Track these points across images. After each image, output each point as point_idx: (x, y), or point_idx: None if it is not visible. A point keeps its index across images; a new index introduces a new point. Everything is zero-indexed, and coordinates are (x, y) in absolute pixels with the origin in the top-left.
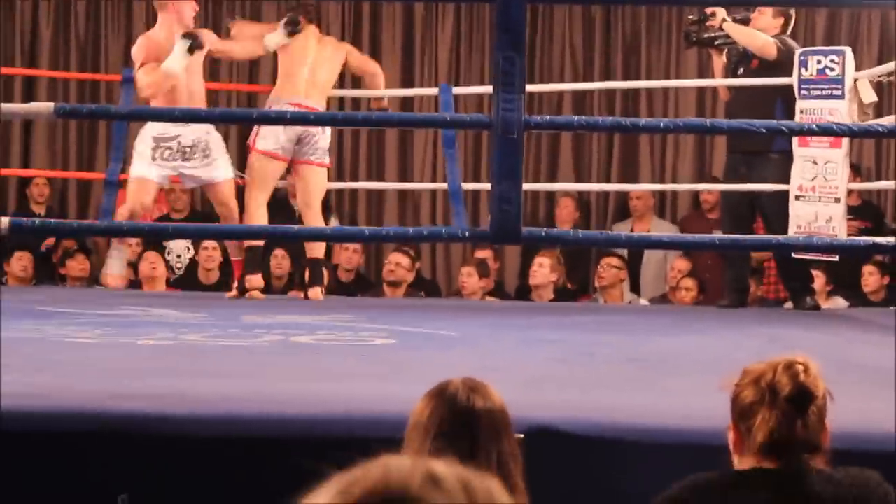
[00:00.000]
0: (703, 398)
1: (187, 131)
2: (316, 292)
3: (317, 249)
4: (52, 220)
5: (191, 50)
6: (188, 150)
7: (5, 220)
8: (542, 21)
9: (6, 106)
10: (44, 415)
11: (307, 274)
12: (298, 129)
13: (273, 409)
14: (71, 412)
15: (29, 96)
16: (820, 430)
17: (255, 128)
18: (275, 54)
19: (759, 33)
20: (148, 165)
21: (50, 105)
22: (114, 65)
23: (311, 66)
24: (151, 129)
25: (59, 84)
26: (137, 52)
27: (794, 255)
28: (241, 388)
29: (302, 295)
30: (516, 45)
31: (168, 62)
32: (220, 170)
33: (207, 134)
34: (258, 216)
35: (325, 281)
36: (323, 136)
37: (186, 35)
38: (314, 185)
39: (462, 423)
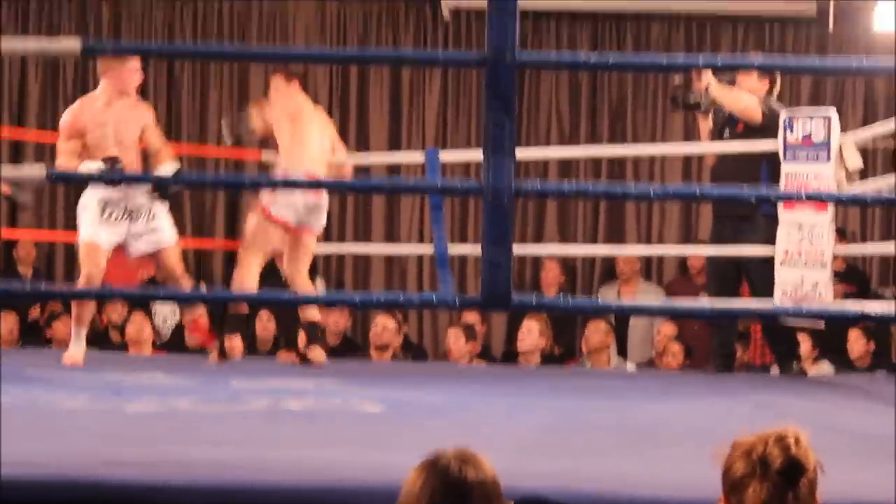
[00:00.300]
0: (694, 468)
1: (131, 194)
2: (317, 353)
3: (312, 311)
4: (40, 283)
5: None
6: (133, 212)
7: None
8: (529, 84)
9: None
10: (37, 483)
11: (305, 336)
12: (311, 198)
13: (265, 477)
14: (64, 481)
15: (17, 152)
16: (811, 502)
17: (269, 193)
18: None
19: (745, 96)
20: (96, 228)
21: (41, 170)
22: None
23: (318, 135)
24: (96, 193)
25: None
26: (63, 122)
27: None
28: (232, 455)
29: (295, 357)
30: (506, 110)
31: (84, 170)
32: (166, 234)
33: (151, 200)
34: (250, 279)
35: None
36: (325, 206)
37: (106, 160)
38: (310, 251)
39: (454, 495)
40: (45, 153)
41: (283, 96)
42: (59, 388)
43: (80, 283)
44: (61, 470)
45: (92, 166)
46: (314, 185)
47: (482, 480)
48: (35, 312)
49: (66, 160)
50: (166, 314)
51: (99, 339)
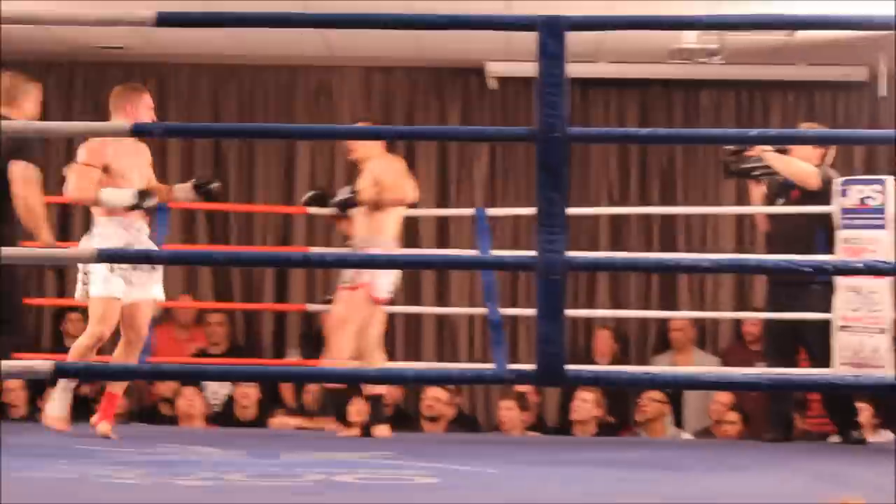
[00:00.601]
0: None
1: (143, 242)
2: (382, 430)
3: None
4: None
5: (133, 208)
6: None
7: (49, 363)
8: (580, 149)
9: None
10: None
11: (369, 410)
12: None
13: None
14: None
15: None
16: None
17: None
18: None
19: (801, 163)
20: (108, 282)
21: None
22: None
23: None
24: (104, 243)
25: None
26: (85, 151)
27: None
28: None
29: (359, 431)
30: (557, 185)
31: (109, 196)
32: (157, 288)
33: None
34: (343, 357)
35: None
36: None
37: (142, 193)
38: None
39: None
40: None
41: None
42: (111, 462)
43: (90, 341)
44: None
45: (115, 194)
46: (367, 263)
47: None
48: (86, 389)
49: (86, 185)
50: (216, 387)
51: (148, 413)
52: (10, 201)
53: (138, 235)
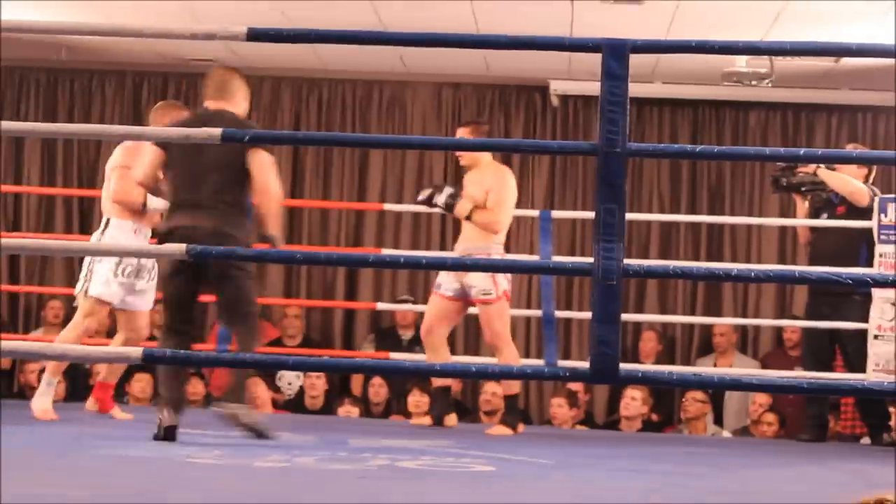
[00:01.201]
0: None
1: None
2: (452, 419)
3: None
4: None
5: None
6: (141, 270)
7: (139, 349)
8: (634, 163)
9: None
10: None
11: (436, 402)
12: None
13: None
14: None
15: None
16: None
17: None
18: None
19: (854, 181)
20: (107, 284)
21: (182, 248)
22: None
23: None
24: (118, 239)
25: None
26: (122, 152)
27: None
28: None
29: (430, 421)
30: (616, 197)
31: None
32: (151, 296)
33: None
34: (441, 358)
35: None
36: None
37: None
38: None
39: None
40: None
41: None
42: (190, 444)
43: (76, 333)
44: None
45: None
46: (435, 265)
47: None
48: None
49: (122, 179)
50: (291, 377)
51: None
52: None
53: (144, 242)
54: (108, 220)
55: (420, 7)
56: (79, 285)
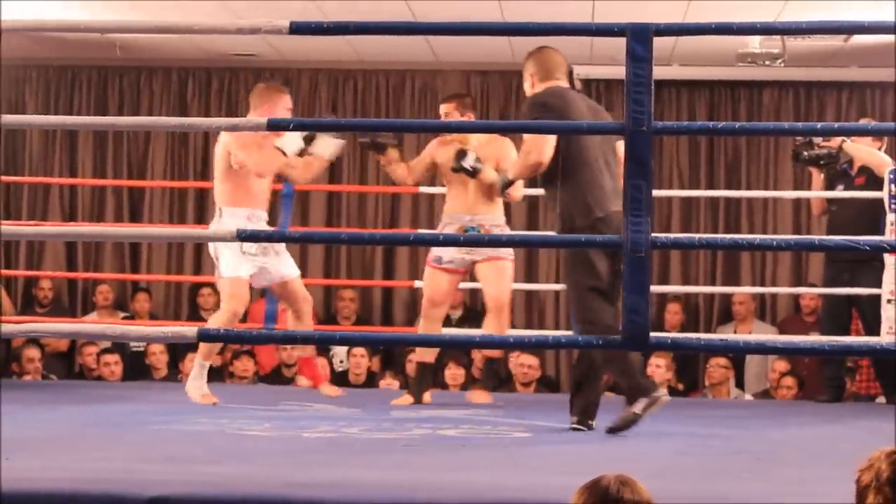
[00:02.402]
0: (817, 487)
1: (262, 227)
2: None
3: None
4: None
5: (306, 140)
6: (266, 247)
7: (193, 329)
8: (654, 141)
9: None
10: (231, 502)
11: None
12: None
13: (430, 498)
14: (254, 499)
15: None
16: None
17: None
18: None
19: (879, 152)
20: (238, 263)
21: (232, 231)
22: None
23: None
24: (232, 225)
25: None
26: (232, 136)
27: None
28: (399, 478)
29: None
30: (644, 173)
31: (282, 141)
32: (289, 266)
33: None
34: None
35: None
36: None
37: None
38: (499, 278)
39: None
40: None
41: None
42: (243, 417)
43: (225, 320)
44: (248, 490)
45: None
46: (473, 242)
47: (638, 502)
48: (225, 355)
49: (256, 153)
50: (343, 355)
51: (271, 377)
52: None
53: (261, 227)
54: (220, 209)
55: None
56: (216, 273)
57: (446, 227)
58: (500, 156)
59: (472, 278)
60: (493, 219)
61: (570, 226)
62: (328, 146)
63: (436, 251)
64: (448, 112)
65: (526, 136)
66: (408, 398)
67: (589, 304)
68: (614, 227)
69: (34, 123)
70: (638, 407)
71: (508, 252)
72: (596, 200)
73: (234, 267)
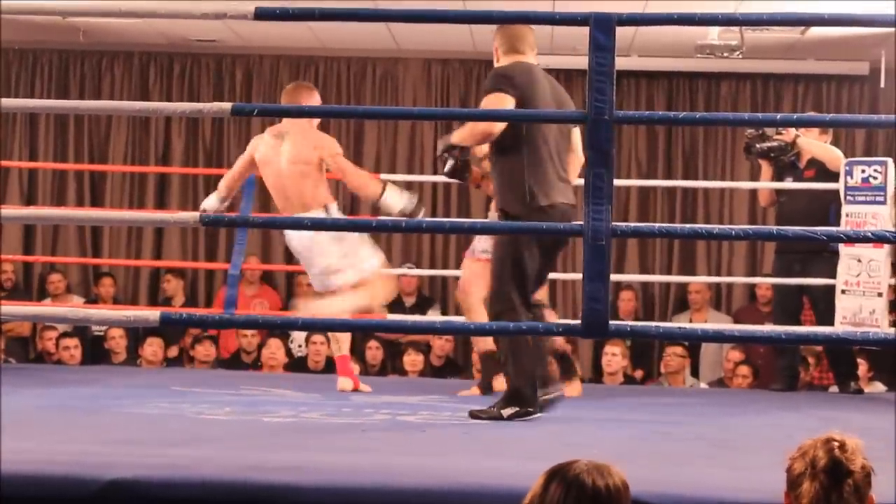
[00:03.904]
0: (770, 474)
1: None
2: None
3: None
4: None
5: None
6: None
7: (156, 313)
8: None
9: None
10: (190, 484)
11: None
12: None
13: (390, 481)
14: (214, 482)
15: (162, 190)
16: (858, 501)
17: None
18: None
19: (832, 147)
20: (375, 254)
21: (195, 216)
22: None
23: None
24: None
25: (189, 181)
26: (324, 141)
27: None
28: (359, 461)
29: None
30: (605, 161)
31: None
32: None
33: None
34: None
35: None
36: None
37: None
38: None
39: (589, 500)
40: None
41: None
42: (203, 401)
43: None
44: (211, 473)
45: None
46: (435, 229)
47: (615, 486)
48: (186, 340)
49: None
50: (301, 340)
51: (230, 361)
52: None
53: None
54: (326, 207)
55: None
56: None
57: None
58: None
59: None
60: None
61: (507, 210)
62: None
63: (473, 244)
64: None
65: (483, 102)
66: (475, 390)
67: (508, 298)
68: (556, 218)
69: None
70: (507, 412)
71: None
72: (540, 187)
73: (376, 261)
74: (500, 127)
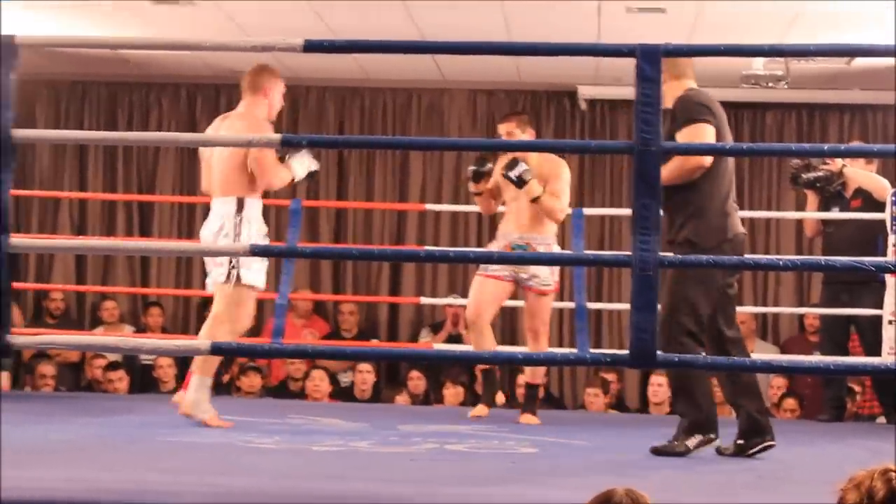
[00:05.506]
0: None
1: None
2: (528, 418)
3: (534, 372)
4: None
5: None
6: None
7: (206, 342)
8: None
9: None
10: None
11: (526, 398)
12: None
13: None
14: None
15: None
16: None
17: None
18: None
19: (879, 177)
20: (259, 271)
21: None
22: None
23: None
24: (256, 216)
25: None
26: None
27: None
28: (407, 491)
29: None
30: (651, 192)
31: (295, 162)
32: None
33: None
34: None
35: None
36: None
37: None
38: (538, 310)
39: None
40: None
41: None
42: (252, 430)
43: (233, 328)
44: (260, 501)
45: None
46: (482, 259)
47: None
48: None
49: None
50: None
51: (277, 390)
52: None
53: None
54: (238, 200)
55: (453, 7)
56: (216, 275)
57: (495, 244)
58: (550, 174)
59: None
60: (543, 238)
61: (697, 242)
62: (303, 165)
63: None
64: (510, 131)
65: (687, 132)
66: (482, 408)
67: (681, 340)
68: (740, 248)
69: (45, 138)
70: (692, 441)
71: (551, 282)
72: (729, 218)
73: (256, 275)
74: (710, 160)
